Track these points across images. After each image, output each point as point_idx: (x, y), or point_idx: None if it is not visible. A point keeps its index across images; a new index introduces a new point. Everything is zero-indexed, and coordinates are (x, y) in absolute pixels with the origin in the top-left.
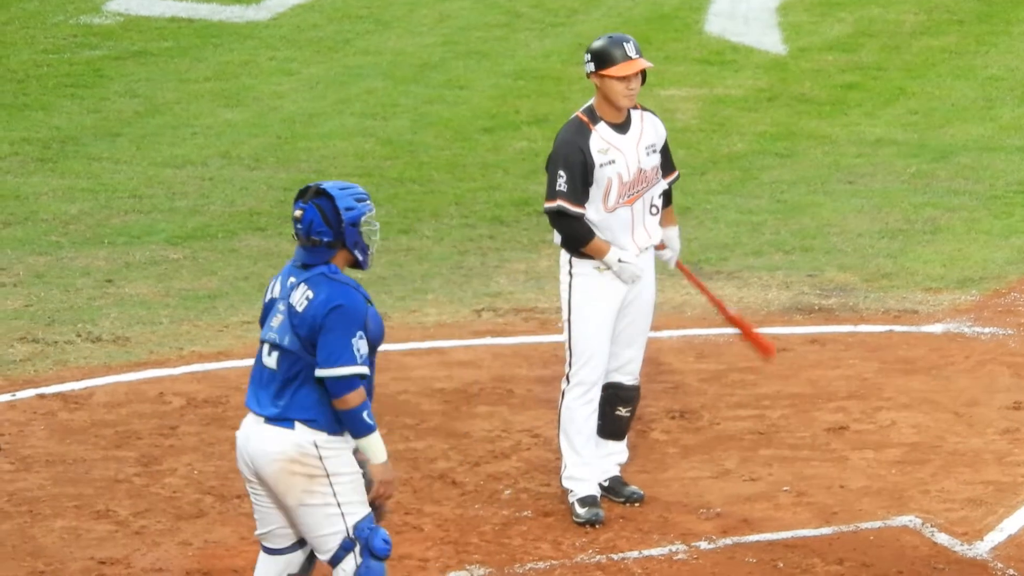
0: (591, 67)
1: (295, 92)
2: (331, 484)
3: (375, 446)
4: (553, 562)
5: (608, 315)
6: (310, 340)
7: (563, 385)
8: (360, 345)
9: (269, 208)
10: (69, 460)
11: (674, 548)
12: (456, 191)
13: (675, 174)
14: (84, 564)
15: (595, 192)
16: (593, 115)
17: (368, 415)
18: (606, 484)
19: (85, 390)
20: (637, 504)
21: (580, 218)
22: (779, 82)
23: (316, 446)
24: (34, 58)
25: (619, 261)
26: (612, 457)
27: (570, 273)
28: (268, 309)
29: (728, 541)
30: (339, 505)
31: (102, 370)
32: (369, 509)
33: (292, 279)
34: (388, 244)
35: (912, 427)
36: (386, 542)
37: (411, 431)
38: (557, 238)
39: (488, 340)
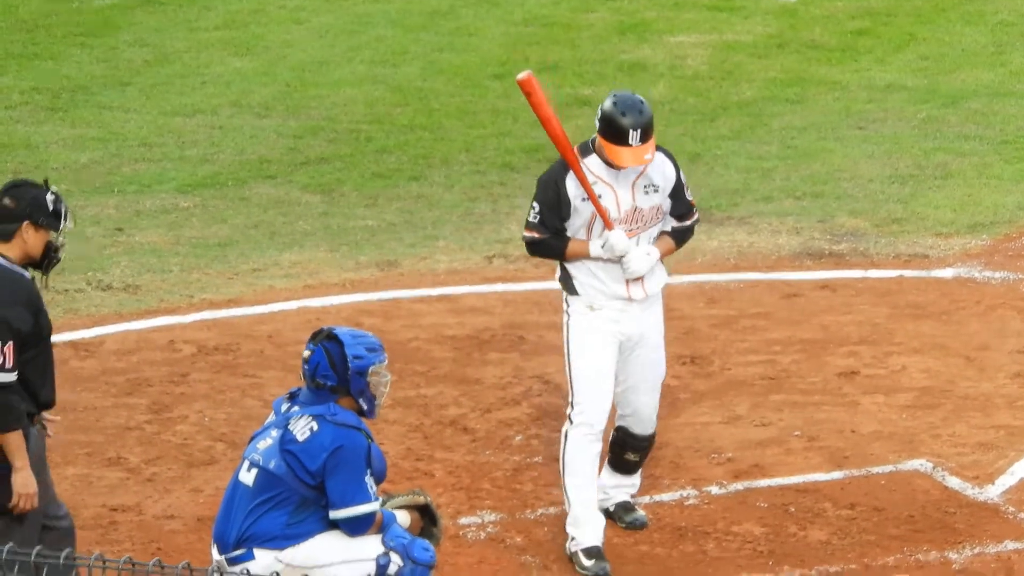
0: (598, 126)
1: (305, 40)
2: (322, 569)
3: (402, 523)
4: (564, 507)
5: (606, 354)
6: (308, 472)
7: (565, 426)
8: (370, 482)
9: (279, 156)
10: (80, 408)
11: (685, 493)
12: (466, 138)
13: (691, 219)
14: (96, 511)
15: (576, 223)
16: (587, 148)
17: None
18: (612, 508)
19: (96, 338)
20: (639, 530)
21: (546, 239)
22: (789, 28)
23: (279, 561)
24: (44, 7)
25: (601, 246)
26: (621, 488)
27: (567, 312)
28: (258, 433)
29: (739, 486)
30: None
31: (113, 318)
32: (379, 534)
33: (295, 408)
34: (399, 191)
35: (923, 372)
36: (426, 550)
37: (422, 378)
38: (557, 271)
39: (499, 286)
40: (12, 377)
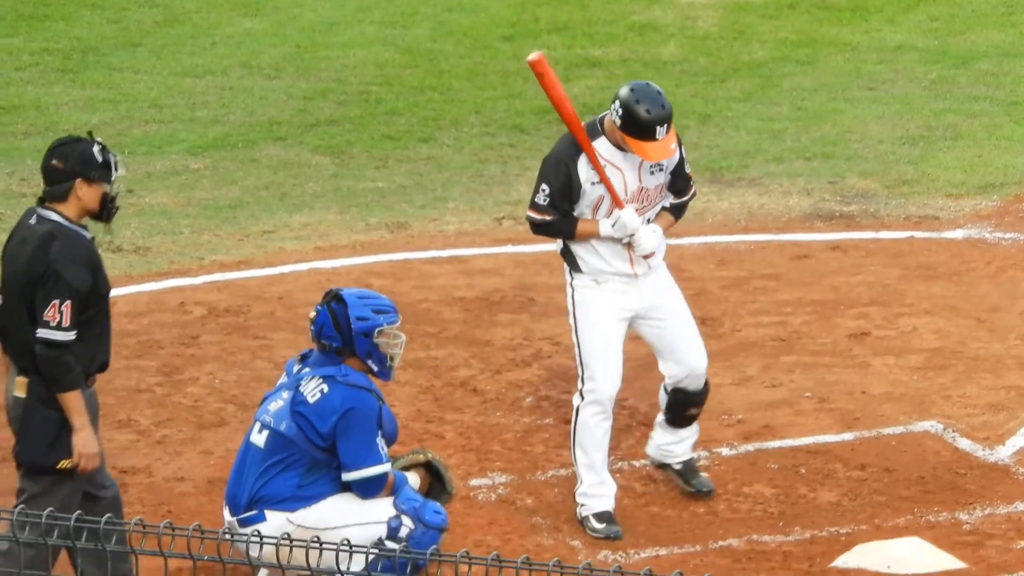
0: (617, 120)
1: (315, 1)
2: (334, 531)
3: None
4: (574, 469)
5: (614, 327)
6: (319, 434)
7: (576, 400)
8: (381, 444)
9: (289, 117)
10: None
11: (696, 455)
12: (476, 99)
13: (688, 194)
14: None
15: (582, 204)
16: (595, 130)
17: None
18: (677, 467)
19: None
20: (704, 496)
21: (554, 220)
22: None
23: (291, 522)
24: None
25: (612, 225)
26: (684, 442)
27: (571, 286)
28: (270, 394)
29: (750, 447)
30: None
31: (123, 280)
32: (391, 497)
33: (306, 369)
34: (409, 153)
35: (934, 333)
36: (438, 512)
37: (432, 339)
38: (558, 244)
39: (509, 248)
40: (71, 336)
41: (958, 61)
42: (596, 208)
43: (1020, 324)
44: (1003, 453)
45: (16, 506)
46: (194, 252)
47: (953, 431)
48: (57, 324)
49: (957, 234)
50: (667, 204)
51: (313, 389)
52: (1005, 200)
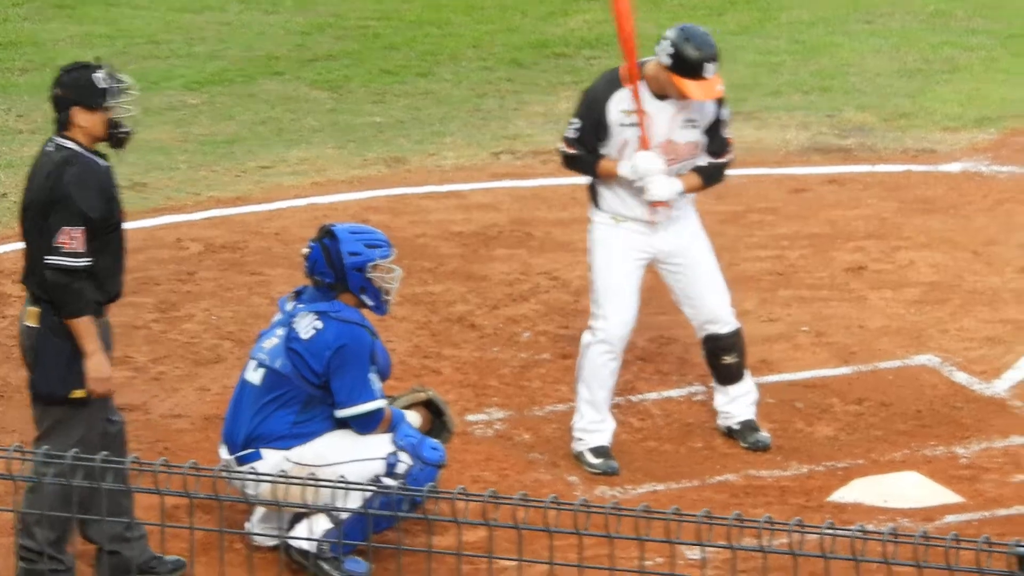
0: (667, 60)
1: None
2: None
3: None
4: (572, 404)
5: (630, 268)
6: (313, 371)
7: (586, 337)
8: (375, 379)
9: (287, 52)
10: None
11: (693, 389)
12: (474, 33)
13: (725, 156)
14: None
15: (610, 144)
16: (637, 69)
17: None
18: (736, 427)
19: None
20: (761, 451)
21: (581, 155)
22: None
23: (288, 460)
24: None
25: (630, 167)
26: (740, 400)
27: (592, 221)
28: (265, 332)
29: None
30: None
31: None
32: (389, 433)
33: (300, 306)
34: (406, 88)
35: (931, 266)
36: (435, 449)
37: (429, 274)
38: (586, 180)
39: (506, 183)
40: (82, 262)
41: None
42: (621, 150)
43: (1017, 257)
44: (1000, 387)
45: (37, 439)
46: (191, 188)
47: (950, 365)
48: (69, 251)
49: (954, 167)
50: (703, 163)
51: (307, 326)
52: (1002, 133)
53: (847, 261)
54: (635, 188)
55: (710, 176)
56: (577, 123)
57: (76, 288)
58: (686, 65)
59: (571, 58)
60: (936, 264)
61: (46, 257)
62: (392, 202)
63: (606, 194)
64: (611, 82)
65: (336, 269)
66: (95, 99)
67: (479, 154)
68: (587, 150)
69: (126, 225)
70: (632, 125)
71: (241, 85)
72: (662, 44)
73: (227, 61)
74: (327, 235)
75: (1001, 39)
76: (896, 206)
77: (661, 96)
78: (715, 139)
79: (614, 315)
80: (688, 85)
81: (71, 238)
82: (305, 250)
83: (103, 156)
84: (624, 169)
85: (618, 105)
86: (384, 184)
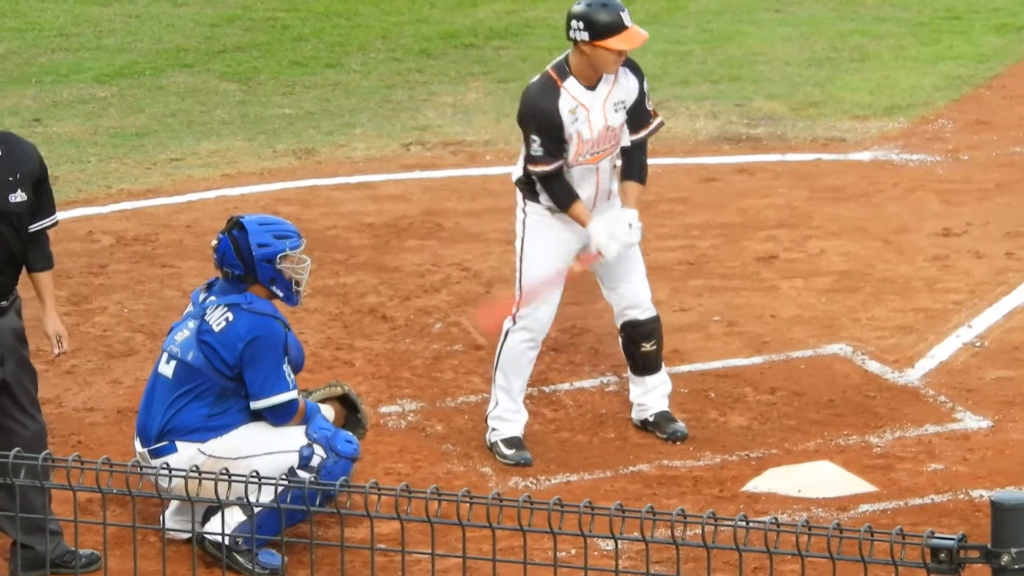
0: (584, 36)
1: None
2: (245, 460)
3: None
4: (484, 395)
5: (562, 257)
6: (225, 363)
7: (507, 324)
8: (289, 371)
9: (196, 44)
10: None
11: (605, 380)
12: (383, 24)
13: (646, 130)
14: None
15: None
16: (563, 71)
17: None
18: (652, 419)
19: None
20: (679, 443)
21: (559, 174)
22: None
23: (202, 453)
24: None
25: (607, 245)
26: (656, 391)
27: (524, 211)
28: (177, 324)
29: None
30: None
31: None
32: (303, 425)
33: (211, 298)
34: (316, 79)
35: (842, 255)
36: (349, 442)
37: (341, 266)
38: (516, 173)
39: (417, 174)
40: None
41: None
42: (570, 143)
43: (928, 245)
44: (912, 376)
45: None
46: (101, 181)
47: (862, 354)
48: None
49: (864, 156)
50: (627, 143)
51: (218, 318)
52: (912, 121)
53: (758, 250)
54: (579, 180)
55: (643, 172)
56: (537, 139)
57: None
58: (605, 25)
59: (480, 48)
60: (847, 253)
61: None
62: (302, 194)
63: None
64: (550, 88)
65: (245, 260)
66: None
67: (389, 145)
68: (555, 160)
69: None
70: (575, 121)
71: (151, 77)
72: (573, 25)
73: (136, 54)
74: (236, 227)
75: (910, 27)
76: (807, 195)
77: (590, 87)
78: (638, 112)
79: (541, 306)
80: (616, 42)
81: None
82: (214, 242)
83: None
84: (600, 240)
85: (565, 106)
86: (294, 176)
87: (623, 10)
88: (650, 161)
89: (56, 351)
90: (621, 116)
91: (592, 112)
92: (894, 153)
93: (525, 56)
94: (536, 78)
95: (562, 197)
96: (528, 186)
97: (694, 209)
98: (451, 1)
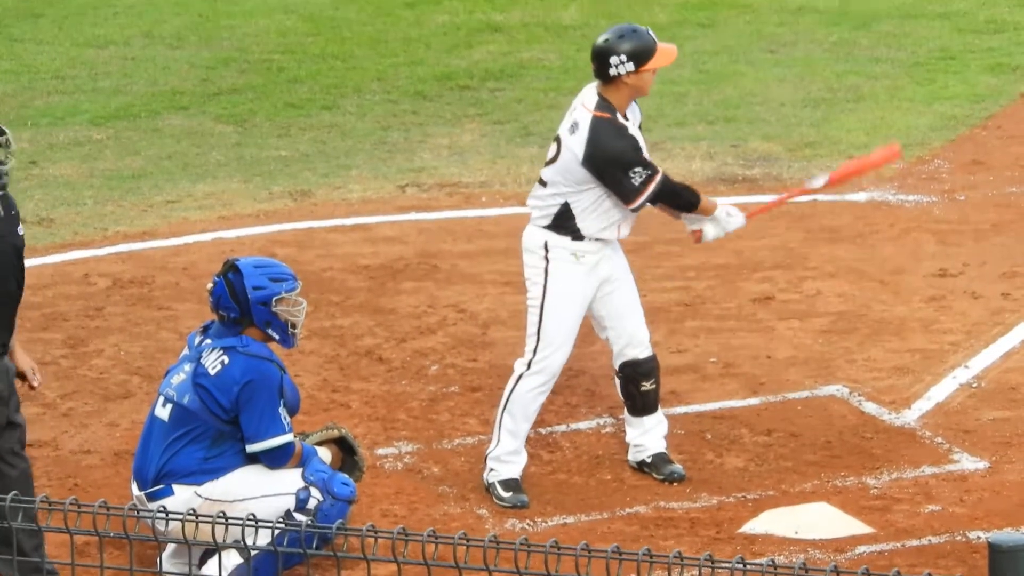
0: (629, 67)
1: None
2: (242, 503)
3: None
4: (481, 437)
5: (583, 304)
6: (221, 406)
7: (520, 368)
8: (284, 414)
9: (192, 87)
10: None
11: (602, 421)
12: (378, 66)
13: None
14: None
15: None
16: (610, 108)
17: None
18: (649, 460)
19: None
20: (676, 484)
21: (667, 180)
22: None
23: (198, 496)
24: None
25: (727, 215)
26: (653, 431)
27: (545, 258)
28: (174, 367)
29: None
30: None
31: (27, 252)
32: (299, 468)
33: (207, 341)
34: (311, 121)
35: (838, 296)
36: (346, 484)
37: (337, 308)
38: (544, 220)
39: (413, 215)
40: None
41: (859, 23)
42: None
43: (924, 286)
44: (909, 417)
45: None
46: (98, 223)
47: (859, 395)
48: None
49: (860, 197)
50: None
51: (214, 361)
52: (907, 162)
53: (754, 291)
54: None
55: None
56: (640, 168)
57: None
58: (646, 50)
59: (475, 90)
60: (843, 294)
61: None
62: (299, 235)
63: (588, 221)
64: (613, 120)
65: (241, 303)
66: None
67: (385, 187)
68: (654, 173)
69: (36, 261)
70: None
71: (146, 120)
72: (613, 62)
73: (132, 96)
74: (231, 270)
75: (905, 67)
76: (803, 236)
77: (626, 119)
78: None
79: (556, 355)
80: (657, 61)
81: None
82: (209, 285)
83: None
84: (722, 219)
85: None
86: (290, 218)
87: (647, 29)
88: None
89: (35, 383)
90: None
91: (639, 139)
92: (890, 194)
93: (521, 97)
94: (592, 130)
95: (686, 195)
96: (565, 223)
97: (690, 250)
98: (446, 43)
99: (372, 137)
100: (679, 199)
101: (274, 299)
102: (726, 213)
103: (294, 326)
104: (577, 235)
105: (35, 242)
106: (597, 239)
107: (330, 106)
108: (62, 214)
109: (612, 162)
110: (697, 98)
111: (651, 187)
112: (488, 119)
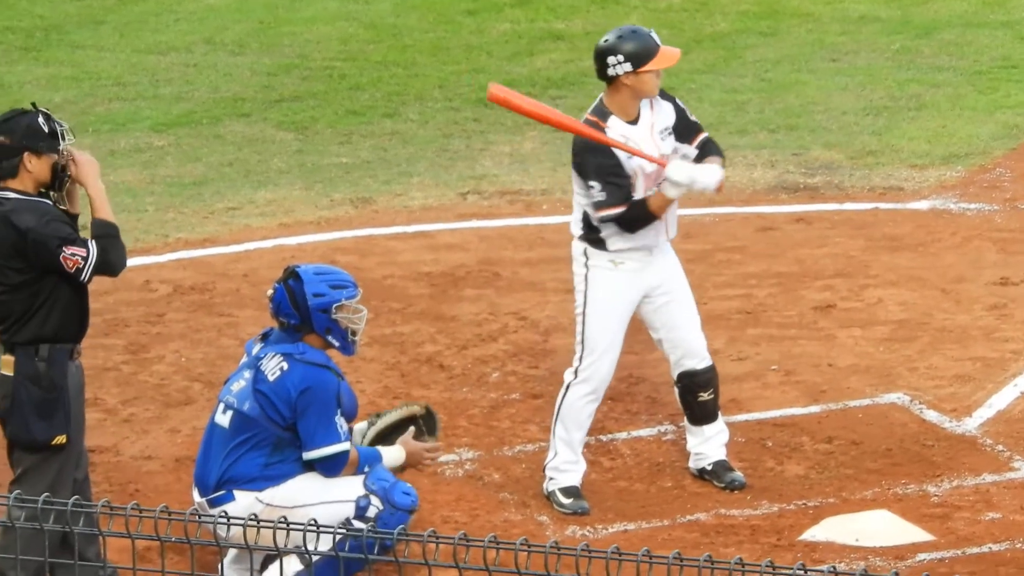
0: (627, 67)
1: None
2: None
3: (391, 459)
4: (542, 444)
5: (625, 310)
6: (279, 413)
7: (568, 377)
8: (341, 422)
9: (253, 94)
10: None
11: (663, 428)
12: (440, 74)
13: (700, 136)
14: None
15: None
16: (603, 113)
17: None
18: (710, 468)
19: None
20: (736, 491)
21: (628, 208)
22: None
23: (260, 502)
24: None
25: (672, 185)
26: (714, 440)
27: (586, 265)
28: (233, 374)
29: None
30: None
31: None
32: (360, 475)
33: (266, 347)
34: (373, 128)
35: (899, 304)
36: (407, 494)
37: (398, 315)
38: (576, 228)
39: (474, 223)
40: (96, 260)
41: (921, 31)
42: (634, 183)
43: (985, 294)
44: (970, 424)
45: (11, 483)
46: (159, 230)
47: (920, 403)
48: (83, 263)
49: (922, 205)
50: (692, 152)
51: (273, 367)
52: (969, 170)
53: (815, 299)
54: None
55: (718, 150)
56: (598, 184)
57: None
58: (644, 51)
59: (537, 97)
60: (904, 302)
61: (76, 279)
62: (360, 243)
63: (612, 235)
64: (604, 118)
65: (301, 310)
66: (43, 143)
67: (446, 194)
68: (625, 199)
69: None
70: (630, 157)
71: (208, 126)
72: (611, 62)
73: (193, 102)
74: (291, 276)
75: (967, 76)
76: (864, 244)
77: (632, 122)
78: (688, 126)
79: (602, 364)
80: (656, 63)
81: (72, 255)
82: (270, 292)
83: (46, 200)
84: (672, 191)
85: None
86: (351, 225)
87: (650, 32)
88: (707, 211)
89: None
90: (671, 142)
91: (643, 146)
92: (952, 202)
93: (582, 105)
94: (586, 123)
95: (639, 214)
96: (594, 239)
97: (751, 258)
98: (508, 51)
99: (433, 145)
100: (635, 224)
101: (334, 306)
102: (673, 181)
103: (354, 333)
104: (601, 245)
105: None
106: (620, 249)
107: (391, 113)
108: (123, 220)
109: (580, 162)
110: (759, 106)
111: (608, 212)
112: (549, 127)
